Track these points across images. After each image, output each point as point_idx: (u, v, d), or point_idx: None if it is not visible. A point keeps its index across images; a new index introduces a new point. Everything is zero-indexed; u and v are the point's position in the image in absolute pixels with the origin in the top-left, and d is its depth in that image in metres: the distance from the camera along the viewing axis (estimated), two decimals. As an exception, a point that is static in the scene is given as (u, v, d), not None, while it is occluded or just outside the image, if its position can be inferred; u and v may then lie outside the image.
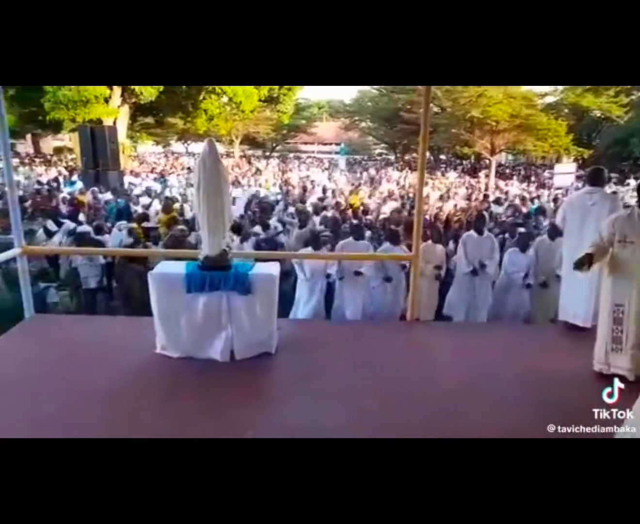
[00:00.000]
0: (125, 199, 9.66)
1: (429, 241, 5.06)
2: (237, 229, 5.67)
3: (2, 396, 2.83)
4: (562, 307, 4.14)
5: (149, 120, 29.03)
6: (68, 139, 29.23)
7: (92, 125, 15.99)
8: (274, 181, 17.53)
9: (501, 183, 19.27)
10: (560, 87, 22.68)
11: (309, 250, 4.97)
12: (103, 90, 19.98)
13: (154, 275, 3.28)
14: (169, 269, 3.45)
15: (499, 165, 28.61)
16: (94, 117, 19.81)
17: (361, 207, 9.30)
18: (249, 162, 29.87)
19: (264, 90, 25.69)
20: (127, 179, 15.54)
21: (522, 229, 6.07)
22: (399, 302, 4.93)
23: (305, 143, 43.19)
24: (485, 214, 7.02)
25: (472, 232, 5.13)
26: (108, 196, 10.57)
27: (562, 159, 25.88)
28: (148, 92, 20.92)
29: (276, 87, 26.64)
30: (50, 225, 6.58)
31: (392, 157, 37.88)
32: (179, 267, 3.36)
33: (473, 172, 26.54)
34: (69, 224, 6.72)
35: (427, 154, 3.86)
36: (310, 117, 38.47)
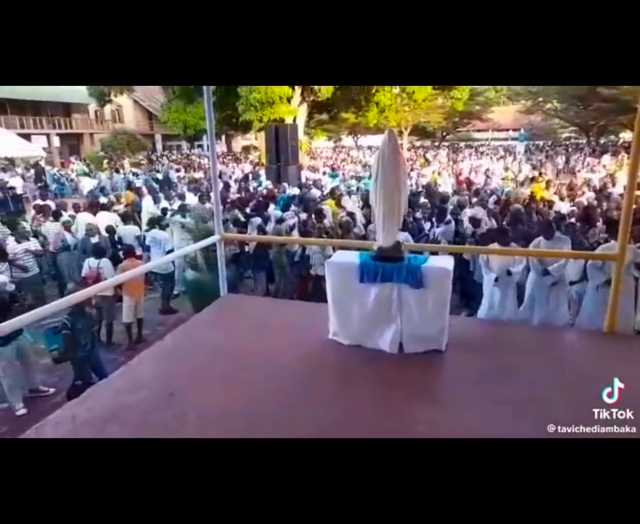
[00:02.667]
0: (306, 192, 10.54)
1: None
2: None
3: (195, 360, 3.28)
4: None
5: (324, 117, 30.74)
6: (254, 138, 32.78)
7: (276, 125, 17.59)
8: (446, 172, 16.93)
9: None
10: None
11: (494, 246, 4.62)
12: (287, 90, 21.82)
13: (330, 263, 3.40)
14: (343, 258, 3.54)
15: None
16: (277, 117, 21.78)
17: (546, 200, 8.38)
18: (420, 153, 29.41)
19: (438, 77, 24.96)
20: (304, 173, 16.73)
21: None
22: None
23: (479, 130, 40.72)
24: None
25: None
26: (295, 190, 11.58)
27: None
28: (325, 90, 22.13)
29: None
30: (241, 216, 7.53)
31: (583, 141, 33.23)
32: (352, 257, 3.43)
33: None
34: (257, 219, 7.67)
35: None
36: (486, 102, 35.97)
